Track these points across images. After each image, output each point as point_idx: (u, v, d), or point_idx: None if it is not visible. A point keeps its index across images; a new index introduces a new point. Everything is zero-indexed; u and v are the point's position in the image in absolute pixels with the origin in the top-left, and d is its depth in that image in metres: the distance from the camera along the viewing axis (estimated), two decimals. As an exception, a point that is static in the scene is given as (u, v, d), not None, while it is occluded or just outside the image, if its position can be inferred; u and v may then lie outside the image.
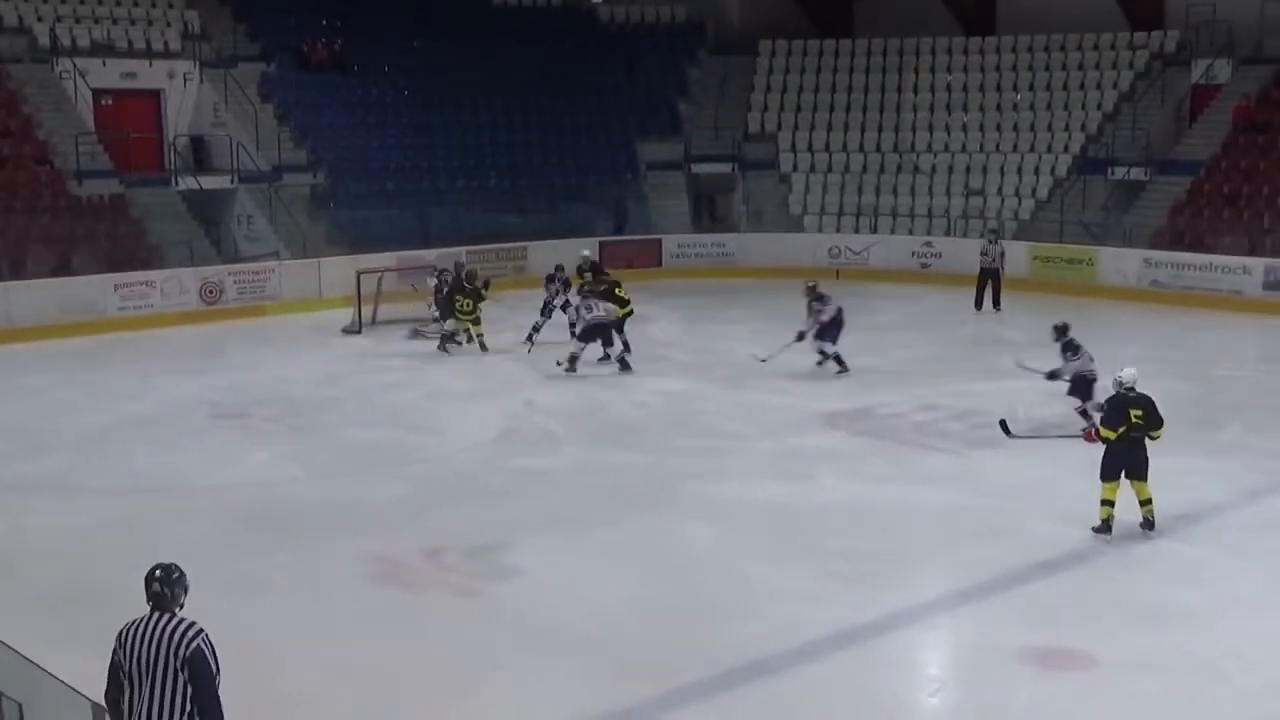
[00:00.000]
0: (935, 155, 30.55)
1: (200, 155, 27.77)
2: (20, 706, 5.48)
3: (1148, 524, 11.74)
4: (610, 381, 18.42)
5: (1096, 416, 12.91)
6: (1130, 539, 11.79)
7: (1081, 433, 11.71)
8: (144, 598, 6.50)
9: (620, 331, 19.35)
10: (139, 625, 6.37)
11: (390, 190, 28.40)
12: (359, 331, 22.10)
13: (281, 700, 8.76)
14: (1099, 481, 11.71)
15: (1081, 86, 30.38)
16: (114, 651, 6.37)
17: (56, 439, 15.57)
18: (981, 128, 30.71)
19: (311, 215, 27.20)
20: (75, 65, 26.42)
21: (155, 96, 27.83)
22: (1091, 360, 15.11)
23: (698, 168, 31.53)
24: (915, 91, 31.91)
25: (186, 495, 13.42)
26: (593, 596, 10.57)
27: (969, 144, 30.52)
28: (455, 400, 17.58)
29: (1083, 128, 29.54)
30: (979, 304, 24.52)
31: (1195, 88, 29.12)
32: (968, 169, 29.97)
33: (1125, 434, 11.53)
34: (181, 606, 6.48)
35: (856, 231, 29.52)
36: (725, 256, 29.68)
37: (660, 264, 29.31)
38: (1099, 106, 29.74)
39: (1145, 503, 11.76)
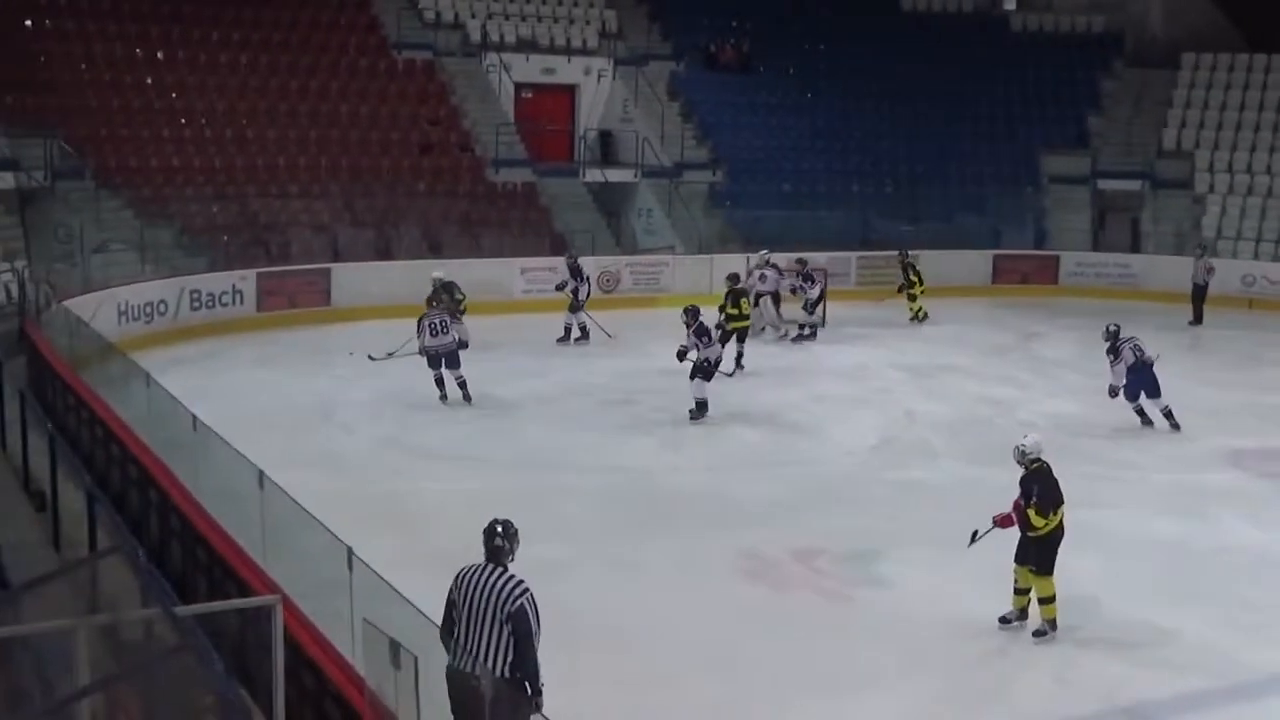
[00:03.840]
0: (1374, 182, 28.11)
1: (607, 149, 28.93)
2: (416, 660, 5.85)
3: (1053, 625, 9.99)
4: (996, 398, 17.94)
5: None
6: None
7: (994, 522, 10.04)
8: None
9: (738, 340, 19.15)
10: (474, 573, 6.84)
11: (786, 191, 28.65)
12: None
13: (644, 682, 9.00)
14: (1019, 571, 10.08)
15: None
16: (450, 591, 6.86)
17: (463, 411, 16.57)
18: None
19: (708, 212, 27.79)
20: (501, 60, 28.01)
21: (570, 92, 29.15)
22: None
23: (1104, 183, 30.22)
24: (1357, 112, 29.46)
25: (572, 473, 14.01)
26: (963, 617, 10.32)
27: None
28: (837, 404, 17.52)
29: None
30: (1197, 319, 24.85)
31: None
32: None
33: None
34: (513, 559, 6.90)
35: (1275, 260, 27.51)
36: (1127, 277, 28.25)
37: (1056, 281, 28.34)
38: None
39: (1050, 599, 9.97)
